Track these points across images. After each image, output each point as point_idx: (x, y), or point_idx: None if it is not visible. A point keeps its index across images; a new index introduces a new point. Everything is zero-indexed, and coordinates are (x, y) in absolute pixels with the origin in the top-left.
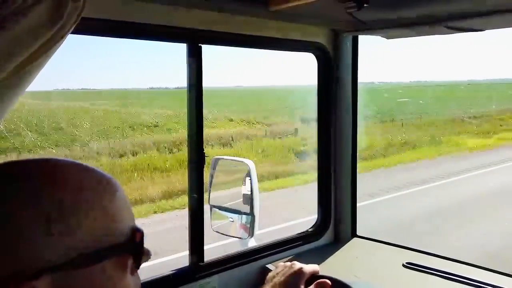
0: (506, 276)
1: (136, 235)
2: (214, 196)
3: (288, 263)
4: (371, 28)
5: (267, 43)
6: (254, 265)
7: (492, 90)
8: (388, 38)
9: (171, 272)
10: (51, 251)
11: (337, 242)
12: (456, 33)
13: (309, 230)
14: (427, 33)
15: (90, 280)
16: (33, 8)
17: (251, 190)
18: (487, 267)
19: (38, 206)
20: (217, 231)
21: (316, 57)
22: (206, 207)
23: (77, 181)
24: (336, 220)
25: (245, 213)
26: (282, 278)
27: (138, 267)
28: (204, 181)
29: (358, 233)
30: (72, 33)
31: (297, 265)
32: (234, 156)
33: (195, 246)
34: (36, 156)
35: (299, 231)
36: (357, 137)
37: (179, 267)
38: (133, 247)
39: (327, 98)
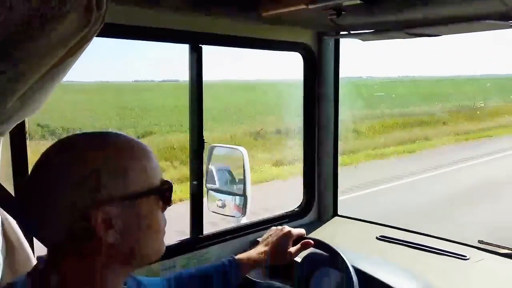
0: (467, 246)
1: (165, 184)
2: None
3: (280, 227)
4: (349, 31)
5: (259, 44)
6: (246, 239)
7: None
8: (363, 40)
9: (176, 242)
10: (111, 192)
11: (320, 220)
12: (416, 37)
13: (295, 209)
14: (391, 37)
15: (139, 208)
16: (67, 15)
17: (244, 174)
18: (449, 238)
19: (99, 170)
20: (213, 211)
21: (302, 57)
22: None
23: (126, 148)
24: (319, 201)
25: (238, 195)
26: (274, 238)
27: (168, 206)
28: None
29: (339, 212)
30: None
31: (287, 228)
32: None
33: (195, 222)
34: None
35: (286, 211)
36: (338, 127)
37: (182, 239)
38: (162, 192)
39: (312, 93)
